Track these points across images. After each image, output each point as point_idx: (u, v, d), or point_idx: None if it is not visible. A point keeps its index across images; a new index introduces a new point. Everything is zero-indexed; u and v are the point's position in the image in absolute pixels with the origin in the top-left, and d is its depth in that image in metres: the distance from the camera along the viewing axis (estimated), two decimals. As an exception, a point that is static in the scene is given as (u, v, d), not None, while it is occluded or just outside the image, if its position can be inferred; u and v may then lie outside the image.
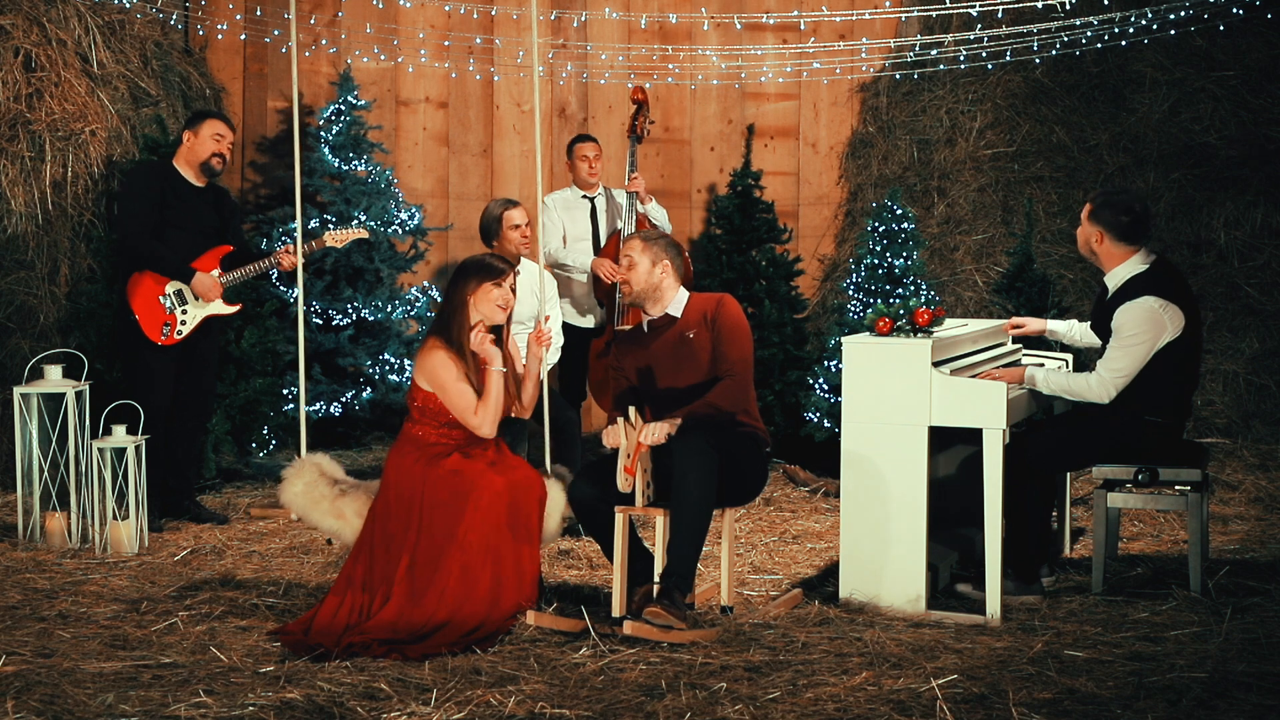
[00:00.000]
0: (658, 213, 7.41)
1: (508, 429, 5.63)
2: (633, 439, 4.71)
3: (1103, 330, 5.27)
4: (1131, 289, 5.16)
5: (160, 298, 6.22)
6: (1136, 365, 5.10)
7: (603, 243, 7.35)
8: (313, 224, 7.83)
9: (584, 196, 7.41)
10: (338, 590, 4.76)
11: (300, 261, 6.31)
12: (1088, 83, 8.51)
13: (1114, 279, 5.24)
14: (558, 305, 6.62)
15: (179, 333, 6.24)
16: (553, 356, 6.49)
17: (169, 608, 4.94)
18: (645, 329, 5.08)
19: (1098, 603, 5.04)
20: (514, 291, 4.99)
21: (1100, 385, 5.12)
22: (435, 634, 4.53)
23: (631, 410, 4.77)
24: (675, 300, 5.04)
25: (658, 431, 4.75)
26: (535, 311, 6.42)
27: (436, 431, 4.89)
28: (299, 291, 6.29)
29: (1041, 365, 5.50)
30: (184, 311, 6.25)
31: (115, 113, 7.25)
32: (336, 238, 6.57)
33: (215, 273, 6.29)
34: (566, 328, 7.28)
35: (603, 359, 7.30)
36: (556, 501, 4.95)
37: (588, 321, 7.30)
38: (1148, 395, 5.14)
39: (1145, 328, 5.09)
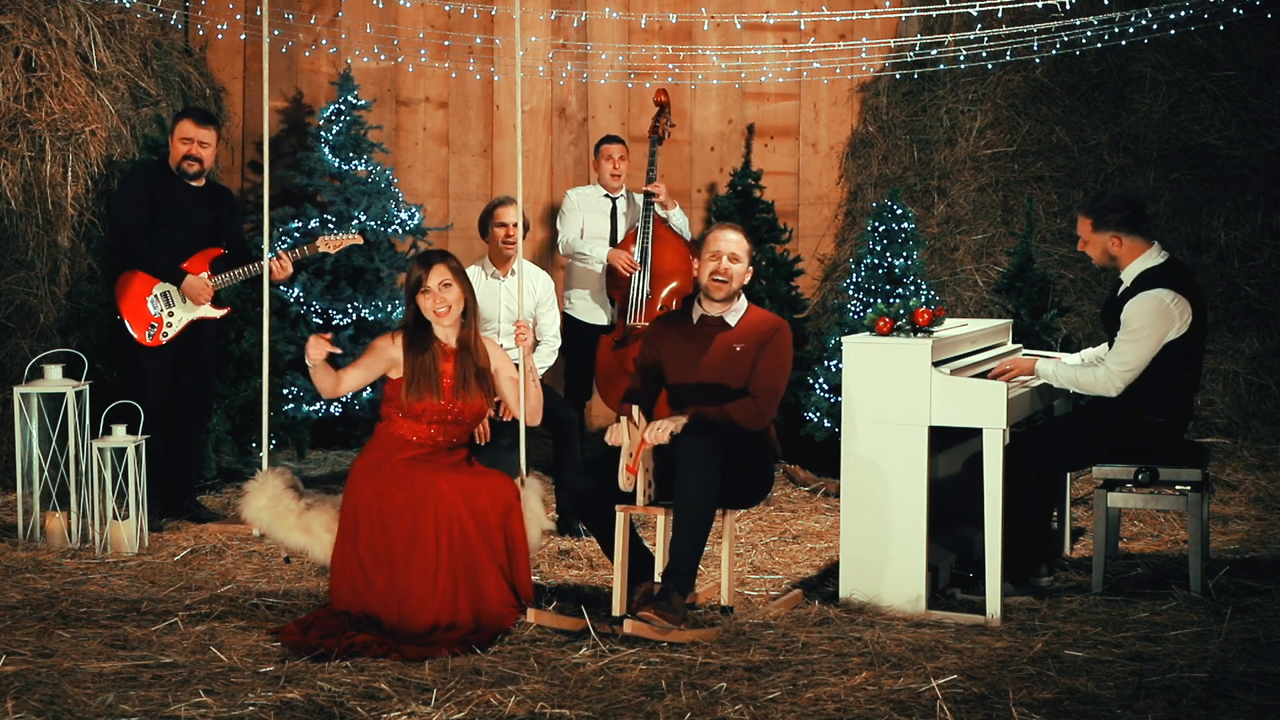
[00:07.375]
0: (679, 219, 7.40)
1: (504, 430, 5.61)
2: (635, 438, 4.70)
3: (1112, 324, 5.27)
4: (1146, 281, 5.17)
5: (147, 299, 6.20)
6: (1144, 358, 5.10)
7: (619, 243, 7.33)
8: (312, 224, 7.83)
9: (606, 196, 7.41)
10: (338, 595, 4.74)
11: (266, 269, 6.02)
12: (1088, 83, 8.50)
13: (1130, 273, 5.25)
14: (555, 307, 6.54)
15: (164, 335, 6.20)
16: (547, 359, 6.44)
17: (169, 608, 4.94)
18: (694, 320, 5.08)
19: (1098, 603, 5.04)
20: (458, 286, 4.83)
21: (1108, 378, 5.13)
22: (416, 640, 4.49)
23: (635, 409, 4.76)
24: (735, 308, 5.06)
25: (661, 430, 4.74)
26: (527, 313, 6.37)
27: (404, 423, 4.83)
28: (264, 294, 5.88)
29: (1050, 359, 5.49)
30: (170, 314, 6.21)
31: (115, 113, 7.25)
32: (330, 243, 6.39)
33: (205, 275, 6.26)
34: (575, 323, 7.25)
35: (618, 350, 7.26)
36: (535, 513, 4.86)
37: (598, 318, 7.27)
38: (1150, 395, 5.14)
39: (1154, 320, 5.09)
